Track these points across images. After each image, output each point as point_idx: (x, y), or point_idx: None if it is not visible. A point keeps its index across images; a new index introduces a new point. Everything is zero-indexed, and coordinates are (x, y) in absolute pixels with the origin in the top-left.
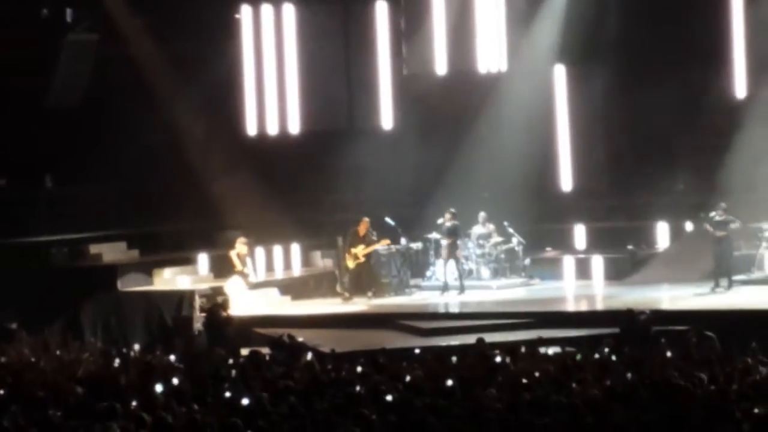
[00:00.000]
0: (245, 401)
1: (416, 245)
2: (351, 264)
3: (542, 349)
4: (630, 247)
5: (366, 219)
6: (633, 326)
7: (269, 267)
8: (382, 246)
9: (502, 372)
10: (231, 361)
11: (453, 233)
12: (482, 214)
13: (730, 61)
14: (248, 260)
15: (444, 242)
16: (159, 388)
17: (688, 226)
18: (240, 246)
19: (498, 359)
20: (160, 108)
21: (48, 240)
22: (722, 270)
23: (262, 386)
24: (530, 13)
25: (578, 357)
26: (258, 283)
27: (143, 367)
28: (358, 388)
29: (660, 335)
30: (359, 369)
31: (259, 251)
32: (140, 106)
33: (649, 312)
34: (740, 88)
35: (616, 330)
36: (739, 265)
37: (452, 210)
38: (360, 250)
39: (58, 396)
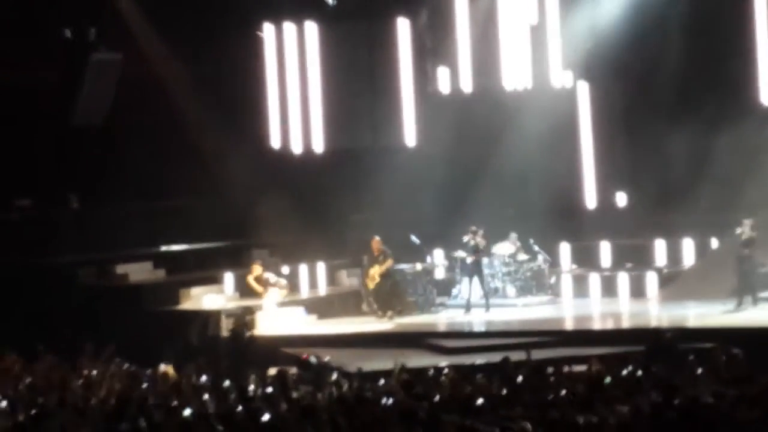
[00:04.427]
0: (271, 420)
1: (442, 264)
2: (371, 285)
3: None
4: (656, 264)
5: (377, 238)
6: (659, 344)
7: (295, 286)
8: (387, 267)
9: (529, 390)
10: (258, 380)
11: (478, 252)
12: (513, 235)
13: (755, 73)
14: (269, 276)
15: (469, 260)
16: (187, 408)
17: (714, 243)
18: (256, 269)
19: (524, 378)
20: (184, 127)
21: (74, 260)
22: (746, 287)
23: (288, 406)
24: (554, 31)
25: (606, 378)
26: (284, 302)
27: (170, 387)
28: (384, 407)
29: (687, 353)
30: (386, 388)
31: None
32: (164, 125)
33: (676, 330)
34: (765, 95)
35: (642, 348)
36: (766, 282)
37: (473, 228)
38: (375, 271)
39: (85, 417)
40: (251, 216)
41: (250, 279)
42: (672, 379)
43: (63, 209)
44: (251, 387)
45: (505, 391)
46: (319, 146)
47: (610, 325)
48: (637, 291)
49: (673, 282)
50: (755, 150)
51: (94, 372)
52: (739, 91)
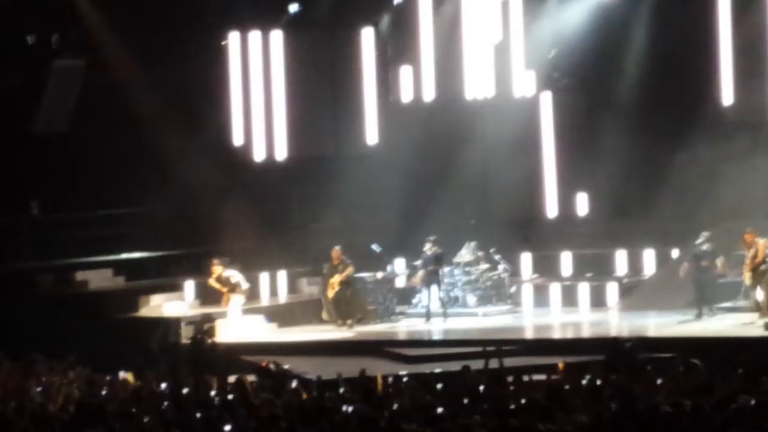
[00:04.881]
0: (230, 429)
1: (402, 272)
2: (330, 294)
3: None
4: (616, 274)
5: (336, 248)
6: (619, 354)
7: (255, 294)
8: (347, 275)
9: (488, 399)
10: (217, 388)
11: (436, 261)
12: (472, 244)
13: (717, 82)
14: (228, 274)
15: (422, 271)
16: (145, 416)
17: (675, 253)
18: (216, 270)
19: (483, 386)
20: (146, 134)
21: (33, 267)
22: (704, 298)
23: (247, 414)
24: (517, 40)
25: (566, 386)
26: (245, 308)
27: (130, 394)
28: (344, 415)
29: (647, 362)
30: (345, 396)
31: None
32: (126, 132)
33: (635, 339)
34: (727, 96)
35: (602, 357)
36: (725, 293)
37: (431, 238)
38: (335, 280)
39: (43, 424)
40: (212, 223)
41: (212, 281)
42: (631, 388)
43: (22, 216)
44: (212, 394)
45: (465, 400)
46: (281, 154)
47: (570, 334)
48: (598, 301)
49: (634, 292)
50: (717, 160)
51: (53, 379)
52: (702, 100)
